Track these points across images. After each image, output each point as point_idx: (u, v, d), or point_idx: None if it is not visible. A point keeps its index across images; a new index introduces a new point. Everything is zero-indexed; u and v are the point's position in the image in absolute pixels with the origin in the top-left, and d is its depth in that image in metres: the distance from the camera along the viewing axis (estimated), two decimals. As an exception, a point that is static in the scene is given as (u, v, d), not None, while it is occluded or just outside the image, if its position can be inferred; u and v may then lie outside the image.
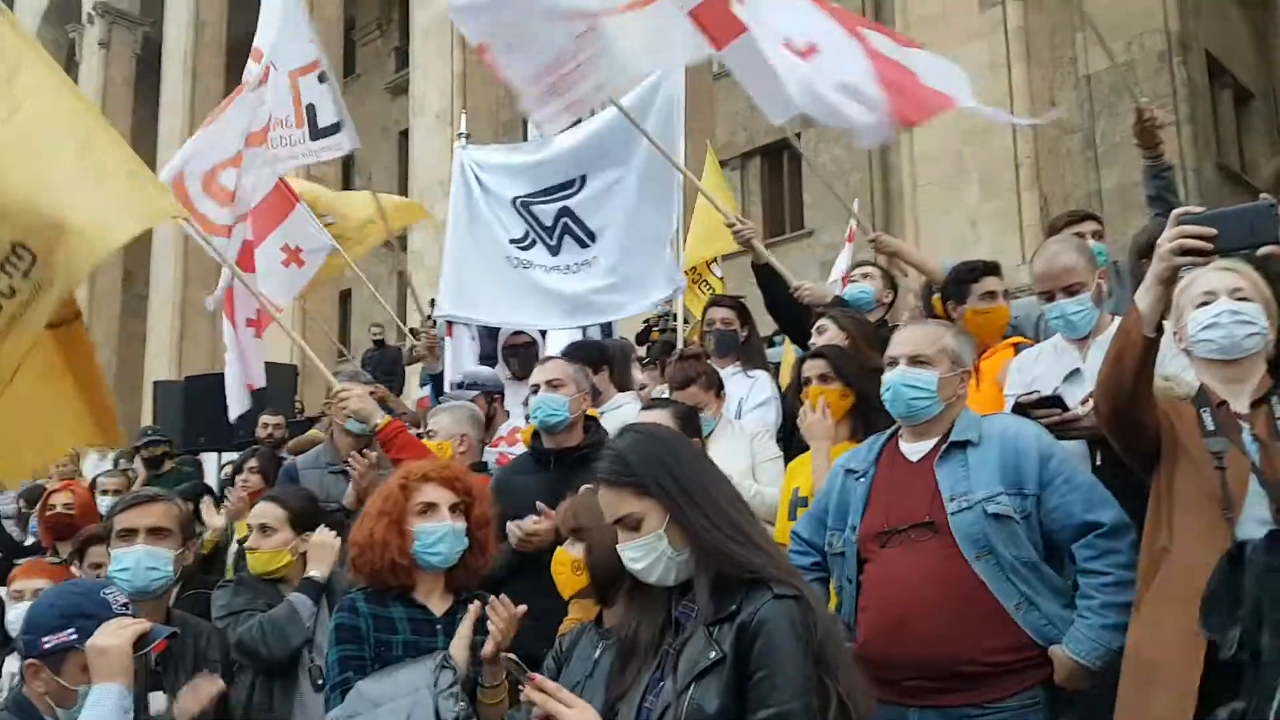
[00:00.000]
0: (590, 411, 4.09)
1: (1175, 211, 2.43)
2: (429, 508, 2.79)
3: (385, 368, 10.73)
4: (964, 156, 11.84)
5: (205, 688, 2.85)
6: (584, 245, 5.48)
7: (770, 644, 1.80)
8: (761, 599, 1.84)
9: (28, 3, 27.30)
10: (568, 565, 2.86)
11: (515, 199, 5.75)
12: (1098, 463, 2.89)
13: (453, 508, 2.81)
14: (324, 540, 3.44)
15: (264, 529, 3.53)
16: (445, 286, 5.97)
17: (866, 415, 3.42)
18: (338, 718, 2.58)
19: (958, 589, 2.54)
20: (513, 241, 5.70)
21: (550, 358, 4.34)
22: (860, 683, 1.86)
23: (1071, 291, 3.17)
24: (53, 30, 26.75)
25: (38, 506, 6.28)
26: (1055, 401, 2.91)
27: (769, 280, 4.77)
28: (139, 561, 3.00)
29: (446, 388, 5.83)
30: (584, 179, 5.53)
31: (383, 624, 2.72)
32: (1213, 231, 2.30)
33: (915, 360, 2.79)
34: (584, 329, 6.00)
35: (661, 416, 3.43)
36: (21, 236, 3.50)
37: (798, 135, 17.02)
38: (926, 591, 2.55)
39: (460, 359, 6.42)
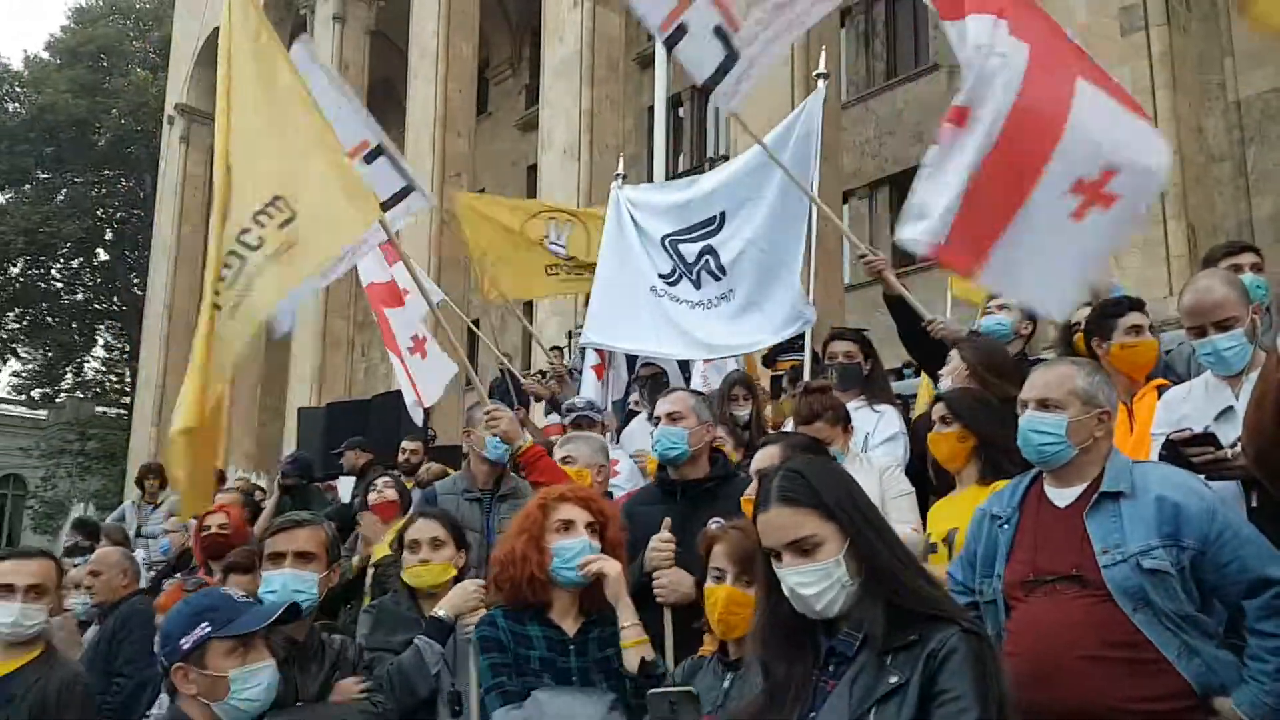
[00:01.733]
0: (718, 445, 4.10)
1: None
2: (567, 525, 2.91)
3: (510, 400, 10.97)
4: (1105, 185, 11.45)
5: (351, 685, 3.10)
6: (717, 279, 5.52)
7: (960, 670, 1.77)
8: (949, 630, 1.81)
9: (181, 49, 29.03)
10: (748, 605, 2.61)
11: (664, 237, 5.88)
12: (1253, 504, 2.77)
13: (588, 526, 2.92)
14: (470, 588, 3.46)
15: (435, 543, 3.63)
16: (591, 315, 6.14)
17: (991, 458, 3.34)
18: (515, 718, 2.68)
19: (1113, 638, 2.46)
20: (661, 276, 5.81)
21: (673, 389, 4.36)
22: None
23: (1224, 326, 3.05)
24: (206, 72, 28.25)
25: (193, 527, 6.62)
26: (1208, 439, 2.79)
27: (902, 313, 4.70)
28: (286, 585, 3.14)
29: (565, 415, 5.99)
30: (724, 215, 5.58)
31: (520, 640, 2.83)
32: None
33: (1043, 404, 2.73)
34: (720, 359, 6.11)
35: (773, 452, 3.34)
36: (282, 190, 3.78)
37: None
38: (1080, 640, 2.47)
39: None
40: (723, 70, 4.31)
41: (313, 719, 2.99)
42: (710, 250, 5.56)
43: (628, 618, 2.84)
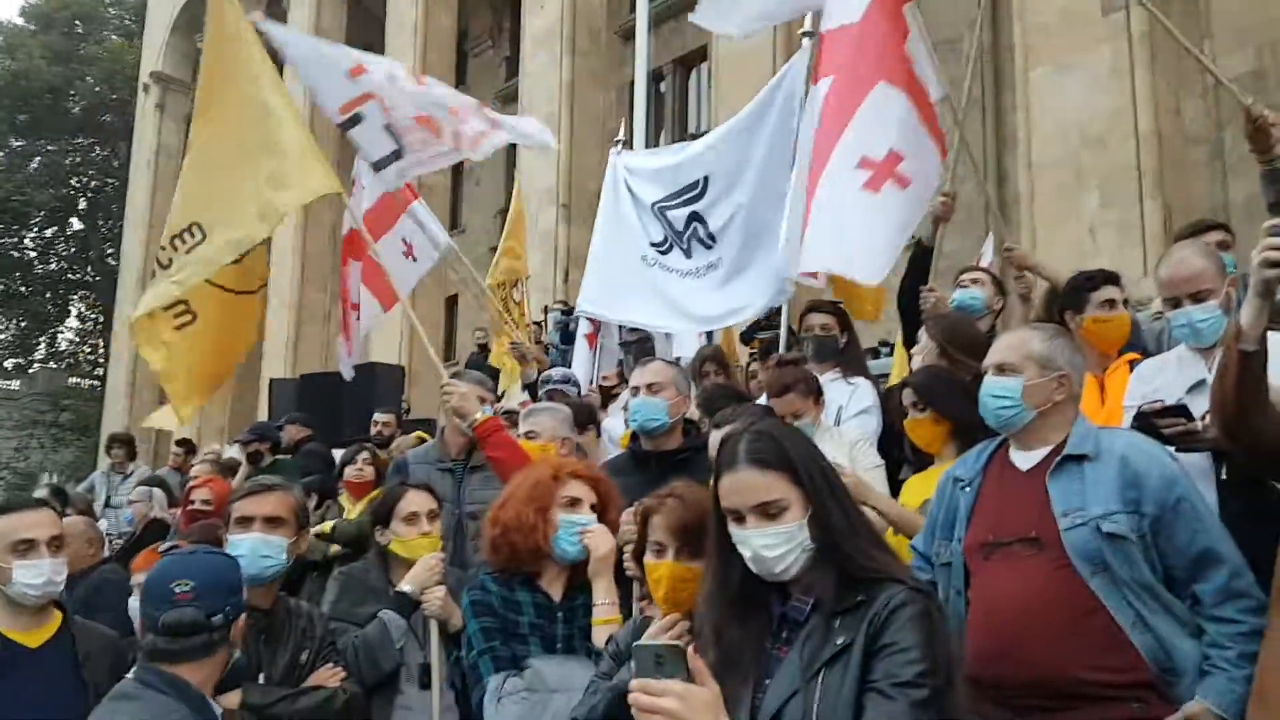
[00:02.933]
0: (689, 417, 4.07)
1: (1265, 224, 2.37)
2: (575, 502, 2.94)
3: (489, 372, 10.92)
4: (1083, 164, 11.46)
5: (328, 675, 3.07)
6: (708, 247, 5.49)
7: (905, 625, 1.78)
8: (895, 590, 1.82)
9: (156, 16, 28.63)
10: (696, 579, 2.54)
11: (654, 204, 5.86)
12: (1223, 476, 2.75)
13: (592, 506, 2.96)
14: (430, 563, 3.49)
15: (432, 515, 3.67)
16: (585, 284, 6.15)
17: (969, 437, 3.28)
18: (513, 689, 2.69)
19: (1070, 605, 2.44)
20: (653, 245, 5.79)
21: (651, 359, 4.32)
22: (970, 708, 1.81)
23: (1199, 299, 3.02)
24: (182, 41, 27.90)
25: (181, 500, 6.55)
26: (1180, 411, 2.78)
27: (919, 267, 4.69)
28: (253, 549, 3.08)
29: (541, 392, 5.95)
30: (706, 180, 5.54)
31: (509, 605, 2.86)
32: None
33: (1000, 368, 2.74)
34: (709, 334, 6.06)
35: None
36: (198, 216, 4.39)
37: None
38: (1039, 610, 2.45)
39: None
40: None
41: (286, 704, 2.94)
42: (697, 216, 5.54)
43: (602, 595, 2.86)
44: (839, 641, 1.80)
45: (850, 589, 1.85)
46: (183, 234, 4.37)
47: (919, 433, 3.51)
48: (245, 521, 3.16)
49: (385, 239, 6.87)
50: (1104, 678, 2.40)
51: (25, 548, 2.95)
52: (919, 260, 4.78)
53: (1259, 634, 2.36)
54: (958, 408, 3.35)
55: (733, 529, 1.95)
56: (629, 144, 6.86)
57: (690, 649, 1.64)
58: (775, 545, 1.89)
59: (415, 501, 3.68)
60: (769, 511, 1.90)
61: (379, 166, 4.96)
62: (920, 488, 3.42)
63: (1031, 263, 4.97)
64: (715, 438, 3.34)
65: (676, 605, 2.43)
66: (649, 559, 2.53)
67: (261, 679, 2.99)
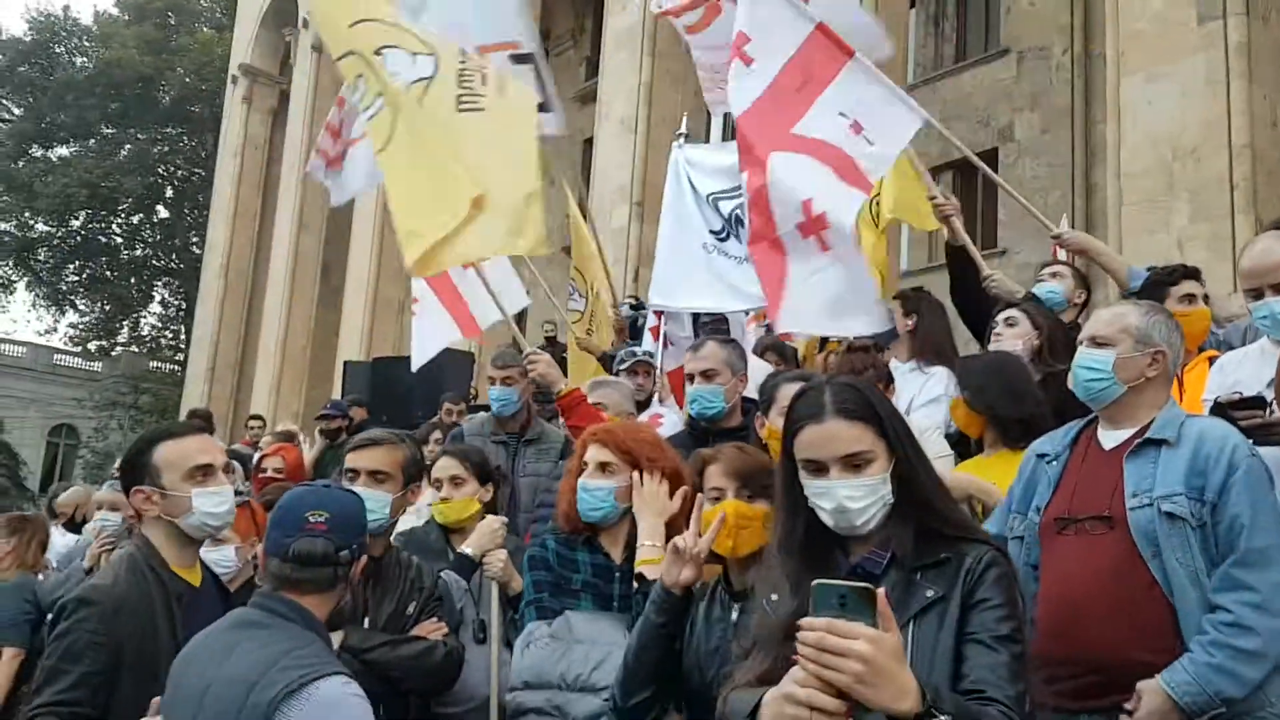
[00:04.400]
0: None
1: None
2: (592, 466, 2.93)
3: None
4: (1174, 175, 11.17)
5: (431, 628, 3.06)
6: (740, 240, 5.52)
7: (996, 583, 1.80)
8: (983, 550, 1.84)
9: (246, 9, 29.32)
10: (758, 519, 2.44)
11: (710, 195, 5.91)
12: (1302, 471, 2.65)
13: (602, 465, 2.90)
14: (493, 526, 3.50)
15: (455, 480, 3.65)
16: (655, 279, 6.20)
17: (1009, 430, 3.29)
18: (541, 635, 2.75)
19: (1129, 586, 2.40)
20: (712, 233, 5.87)
21: (703, 341, 4.27)
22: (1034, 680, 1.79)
23: (1282, 290, 2.93)
24: (270, 34, 28.52)
25: (253, 467, 6.70)
26: (1258, 403, 2.69)
27: (960, 267, 4.61)
28: None
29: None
30: None
31: (566, 563, 2.91)
32: None
33: (1094, 340, 2.68)
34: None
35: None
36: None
37: (994, 151, 16.62)
38: (1099, 587, 2.42)
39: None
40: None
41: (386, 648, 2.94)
42: (741, 206, 5.54)
43: (646, 536, 2.78)
44: (929, 594, 1.81)
45: (930, 544, 1.85)
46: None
47: (958, 414, 3.53)
48: (352, 474, 3.14)
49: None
50: (1158, 660, 2.35)
51: (204, 474, 2.70)
52: (955, 261, 4.69)
53: (1245, 630, 2.28)
54: (992, 398, 3.33)
55: (812, 482, 1.91)
56: (691, 137, 6.86)
57: (880, 592, 1.53)
58: (861, 497, 1.87)
59: (439, 467, 3.71)
60: (855, 463, 1.88)
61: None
62: (988, 470, 3.34)
63: (1086, 246, 4.84)
64: (786, 391, 3.24)
65: (740, 544, 2.39)
66: (708, 508, 2.48)
67: (367, 624, 3.00)
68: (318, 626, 2.25)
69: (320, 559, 2.24)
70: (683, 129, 7.38)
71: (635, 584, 2.69)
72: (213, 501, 2.69)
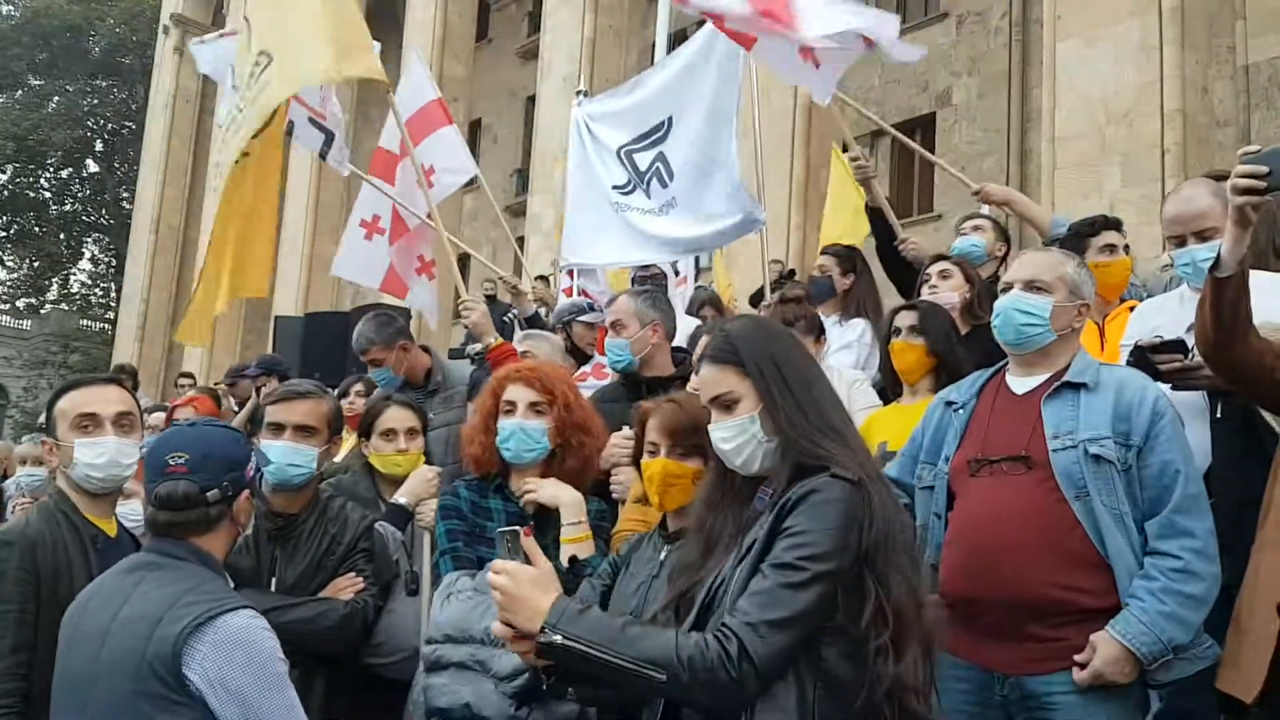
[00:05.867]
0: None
1: (1239, 151, 2.38)
2: (509, 407, 2.92)
3: (494, 320, 10.91)
4: (1106, 139, 11.31)
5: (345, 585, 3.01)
6: (664, 185, 5.43)
7: (810, 509, 1.75)
8: (818, 480, 1.79)
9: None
10: (687, 476, 2.52)
11: (619, 148, 5.80)
12: (1218, 414, 2.71)
13: (531, 405, 2.89)
14: (427, 475, 3.52)
15: (411, 433, 3.67)
16: (565, 236, 6.18)
17: (946, 377, 3.28)
18: (462, 587, 2.71)
19: (1049, 525, 2.42)
20: (615, 187, 5.74)
21: (618, 294, 4.22)
22: (929, 617, 1.77)
23: (1204, 237, 2.94)
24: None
25: (162, 422, 6.52)
26: (1178, 346, 2.72)
27: (880, 228, 4.69)
28: (283, 456, 3.02)
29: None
30: (671, 120, 5.48)
31: (480, 511, 2.91)
32: (1264, 169, 2.25)
33: (1031, 285, 2.66)
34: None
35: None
36: (267, 46, 4.61)
37: (932, 116, 16.70)
38: (1017, 526, 2.43)
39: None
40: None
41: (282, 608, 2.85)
42: (662, 157, 5.48)
43: (569, 516, 2.83)
44: (765, 530, 1.81)
45: (799, 480, 1.84)
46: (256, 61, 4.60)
47: (906, 356, 3.43)
48: (277, 428, 3.08)
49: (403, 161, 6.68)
50: (1077, 599, 2.38)
51: (90, 424, 2.62)
52: (875, 223, 4.83)
53: (1192, 576, 2.33)
54: (946, 346, 3.36)
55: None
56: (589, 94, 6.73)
57: (523, 531, 1.78)
58: (730, 438, 1.93)
59: (394, 418, 3.68)
60: (723, 404, 1.95)
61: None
62: (887, 420, 3.40)
63: (1008, 198, 4.91)
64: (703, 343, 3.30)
65: (669, 500, 2.52)
66: (644, 460, 2.59)
67: (274, 585, 2.96)
68: (215, 565, 2.21)
69: (182, 501, 2.15)
70: (581, 86, 7.29)
71: (568, 565, 2.69)
72: (93, 453, 2.61)
